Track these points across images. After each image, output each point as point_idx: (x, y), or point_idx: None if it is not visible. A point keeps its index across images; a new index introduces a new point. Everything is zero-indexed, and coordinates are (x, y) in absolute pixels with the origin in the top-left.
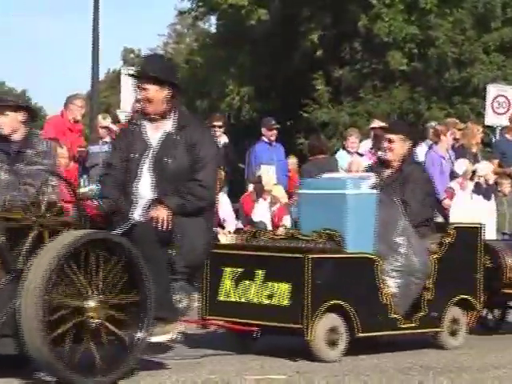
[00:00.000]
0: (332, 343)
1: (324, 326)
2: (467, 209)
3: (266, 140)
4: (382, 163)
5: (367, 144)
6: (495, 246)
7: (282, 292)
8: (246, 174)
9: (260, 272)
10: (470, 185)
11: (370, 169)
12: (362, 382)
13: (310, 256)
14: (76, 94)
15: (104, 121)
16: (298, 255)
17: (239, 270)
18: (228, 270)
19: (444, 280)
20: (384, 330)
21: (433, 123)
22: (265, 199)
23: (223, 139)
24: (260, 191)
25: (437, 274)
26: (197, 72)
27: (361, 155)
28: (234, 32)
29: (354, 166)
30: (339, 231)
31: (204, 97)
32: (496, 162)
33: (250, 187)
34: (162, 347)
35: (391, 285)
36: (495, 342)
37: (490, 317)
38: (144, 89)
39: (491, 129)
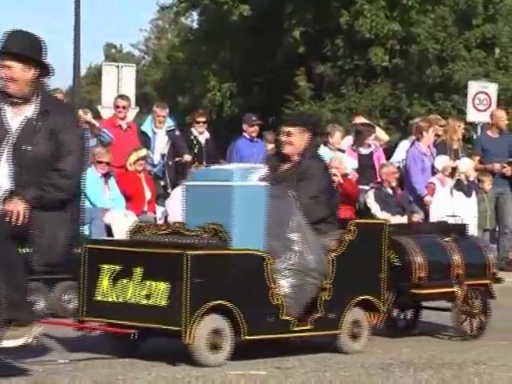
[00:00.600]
0: (215, 346)
1: (205, 328)
2: (447, 205)
3: (248, 136)
4: (280, 155)
5: (349, 140)
6: (404, 243)
7: (159, 291)
8: None
9: (138, 270)
10: (451, 181)
11: (267, 161)
12: (343, 377)
13: (189, 253)
14: (55, 89)
15: (85, 116)
16: (176, 252)
17: (117, 267)
18: (106, 267)
19: (343, 279)
20: (274, 333)
21: (416, 120)
22: None
23: (206, 135)
24: None
25: (335, 273)
26: (178, 68)
27: (342, 151)
28: (216, 28)
29: (335, 162)
30: (225, 226)
31: (186, 92)
32: (477, 158)
33: None
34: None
35: (284, 284)
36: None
37: (401, 317)
38: (7, 66)
39: (472, 125)
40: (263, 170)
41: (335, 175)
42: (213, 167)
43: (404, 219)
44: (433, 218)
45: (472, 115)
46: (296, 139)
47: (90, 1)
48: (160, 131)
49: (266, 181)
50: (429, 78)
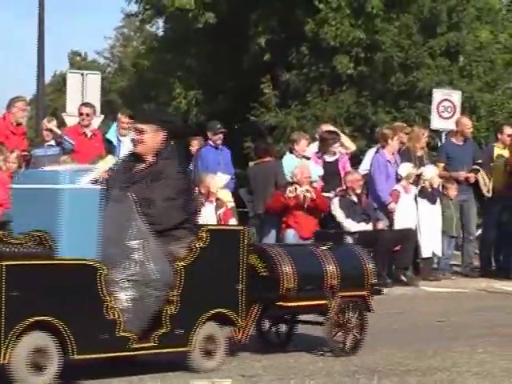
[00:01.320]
0: (39, 367)
1: (25, 346)
2: (411, 212)
3: (212, 144)
4: (136, 155)
5: (314, 148)
6: (272, 251)
7: None
8: (192, 177)
9: None
10: (415, 189)
11: (121, 162)
12: None
13: (4, 263)
14: (18, 97)
15: (48, 123)
16: None
17: None
18: None
19: (194, 291)
20: (110, 351)
21: (384, 128)
22: (211, 202)
23: (172, 142)
24: (206, 195)
25: (184, 284)
26: (144, 75)
27: (308, 159)
28: (182, 35)
29: (297, 170)
30: (51, 233)
31: (151, 100)
32: (442, 165)
33: (196, 191)
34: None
35: (121, 297)
36: (439, 345)
37: (274, 331)
38: None
39: (437, 133)
40: (96, 171)
41: (295, 184)
42: (40, 169)
43: (369, 227)
44: (397, 226)
45: (436, 123)
46: (149, 138)
47: (55, 8)
48: (125, 139)
49: (99, 183)
50: (393, 85)
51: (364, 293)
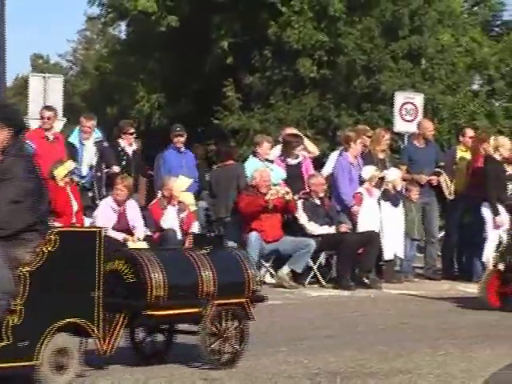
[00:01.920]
0: None
1: None
2: (375, 215)
3: (175, 147)
4: None
5: (277, 151)
6: (140, 257)
7: None
8: (155, 180)
9: None
10: (378, 191)
11: None
12: None
13: None
14: None
15: None
16: None
17: None
18: None
19: (41, 299)
20: None
21: (347, 131)
22: (173, 206)
23: (133, 146)
24: (169, 198)
25: (29, 291)
26: (107, 78)
27: (271, 162)
28: (144, 38)
29: (257, 173)
30: None
31: (114, 103)
32: (404, 168)
33: (159, 194)
34: None
35: None
36: (401, 347)
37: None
38: None
39: (400, 135)
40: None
41: (256, 188)
42: None
43: (332, 230)
44: (361, 228)
45: (399, 125)
46: None
47: (17, 11)
48: (87, 142)
49: None
50: (356, 88)
51: (243, 300)
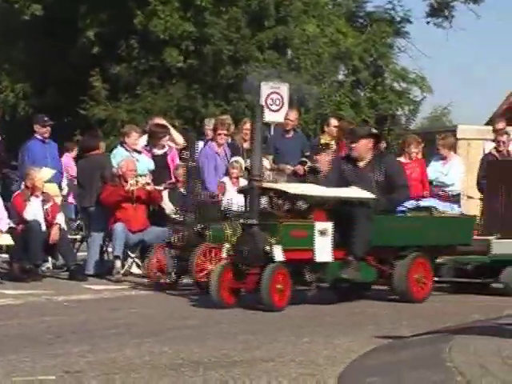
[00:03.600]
0: None
1: None
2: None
3: (40, 137)
4: None
5: (143, 141)
6: None
7: None
8: (19, 171)
9: None
10: (243, 181)
11: None
12: (132, 379)
13: None
14: None
15: None
16: None
17: None
18: None
19: None
20: None
21: (211, 120)
22: (37, 197)
23: None
24: (32, 189)
25: None
26: None
27: (139, 152)
28: (8, 27)
29: (123, 163)
30: None
31: None
32: (271, 158)
33: (22, 186)
34: None
35: None
36: (265, 336)
37: None
38: None
39: (266, 125)
40: None
41: (123, 177)
42: None
43: None
44: None
45: (266, 115)
46: None
47: None
48: None
49: None
50: (223, 78)
51: None
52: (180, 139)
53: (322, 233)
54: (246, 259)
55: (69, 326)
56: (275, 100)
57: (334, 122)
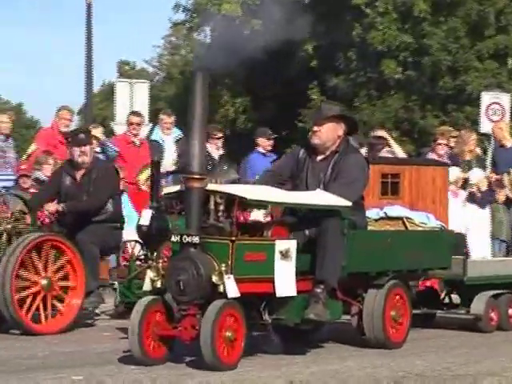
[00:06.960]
0: None
1: None
2: (460, 217)
3: (262, 150)
4: None
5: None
6: None
7: None
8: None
9: None
10: (463, 193)
11: None
12: None
13: None
14: (63, 106)
15: (93, 130)
16: None
17: None
18: None
19: None
20: None
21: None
22: None
23: (220, 151)
24: None
25: None
26: None
27: None
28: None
29: None
30: None
31: None
32: (489, 169)
33: None
34: None
35: None
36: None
37: None
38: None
39: (486, 136)
40: None
41: None
42: None
43: None
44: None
45: (485, 126)
46: None
47: (103, 18)
48: (168, 138)
49: None
50: (441, 89)
51: None
52: (400, 152)
53: (284, 255)
54: (183, 293)
55: None
56: (496, 110)
57: None
